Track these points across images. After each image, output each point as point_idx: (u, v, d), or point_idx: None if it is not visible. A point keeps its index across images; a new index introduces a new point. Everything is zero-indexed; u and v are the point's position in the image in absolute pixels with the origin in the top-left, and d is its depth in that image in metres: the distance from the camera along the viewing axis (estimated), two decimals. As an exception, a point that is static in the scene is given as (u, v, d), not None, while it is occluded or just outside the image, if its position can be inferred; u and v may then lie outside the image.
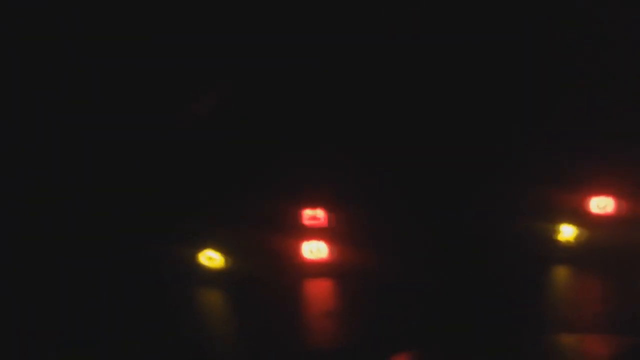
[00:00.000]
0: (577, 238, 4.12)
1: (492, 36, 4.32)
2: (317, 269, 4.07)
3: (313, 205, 4.12)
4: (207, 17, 4.28)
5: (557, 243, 4.14)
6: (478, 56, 4.33)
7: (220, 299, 3.98)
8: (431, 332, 3.49)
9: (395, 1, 4.34)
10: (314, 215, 4.12)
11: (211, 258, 4.06)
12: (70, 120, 4.25)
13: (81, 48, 4.25)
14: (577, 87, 4.30)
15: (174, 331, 3.58)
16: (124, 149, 4.22)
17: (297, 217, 4.13)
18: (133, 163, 4.21)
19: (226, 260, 4.05)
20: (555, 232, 4.14)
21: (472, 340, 3.43)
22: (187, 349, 3.47)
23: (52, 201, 4.12)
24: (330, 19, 4.32)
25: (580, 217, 4.13)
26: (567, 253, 4.11)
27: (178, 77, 4.27)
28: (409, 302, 3.76)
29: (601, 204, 4.14)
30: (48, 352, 3.42)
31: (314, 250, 4.08)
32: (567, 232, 4.13)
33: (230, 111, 4.32)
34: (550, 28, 4.33)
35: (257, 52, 4.29)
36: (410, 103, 4.34)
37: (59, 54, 4.23)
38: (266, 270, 4.04)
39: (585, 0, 4.30)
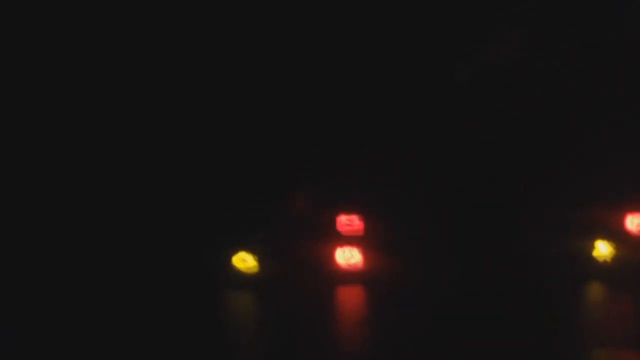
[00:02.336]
0: (612, 255, 4.10)
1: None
2: (350, 276, 4.05)
3: (349, 211, 4.10)
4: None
5: (592, 260, 4.11)
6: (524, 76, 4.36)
7: (251, 302, 3.96)
8: (464, 343, 3.47)
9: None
10: (349, 221, 4.10)
11: (244, 260, 4.05)
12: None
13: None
14: (615, 108, 4.30)
15: (203, 333, 3.57)
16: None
17: (333, 223, 4.11)
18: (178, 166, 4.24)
19: (259, 264, 4.04)
20: (592, 249, 4.12)
21: (506, 353, 3.42)
22: (217, 352, 3.45)
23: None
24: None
25: (616, 235, 4.12)
26: (603, 270, 4.09)
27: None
28: (441, 312, 3.73)
29: (637, 222, 4.12)
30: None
31: (348, 256, 4.06)
32: (602, 249, 4.11)
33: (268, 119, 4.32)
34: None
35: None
36: (451, 116, 4.35)
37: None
38: (299, 275, 4.02)
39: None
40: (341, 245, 4.06)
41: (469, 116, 4.37)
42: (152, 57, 4.29)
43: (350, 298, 4.01)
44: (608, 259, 4.09)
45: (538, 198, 4.21)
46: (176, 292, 3.86)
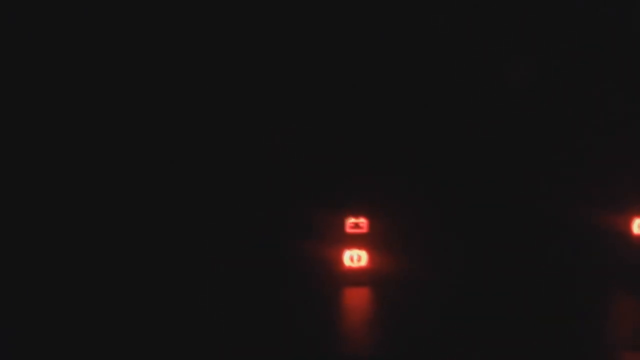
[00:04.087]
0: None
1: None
2: (358, 277, 4.08)
3: (356, 213, 4.12)
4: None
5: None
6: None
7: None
8: (472, 343, 3.45)
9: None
10: (356, 223, 4.12)
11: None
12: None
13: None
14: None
15: (215, 330, 3.62)
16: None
17: (340, 225, 4.14)
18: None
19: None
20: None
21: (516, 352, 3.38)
22: (224, 350, 3.50)
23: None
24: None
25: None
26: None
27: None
28: (451, 312, 3.73)
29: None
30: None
31: (355, 258, 4.08)
32: None
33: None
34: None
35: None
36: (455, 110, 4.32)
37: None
38: (307, 277, 4.06)
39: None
40: (349, 247, 4.09)
41: (472, 113, 4.33)
42: (151, 57, 4.32)
43: (357, 298, 4.03)
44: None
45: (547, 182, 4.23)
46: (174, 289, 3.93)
